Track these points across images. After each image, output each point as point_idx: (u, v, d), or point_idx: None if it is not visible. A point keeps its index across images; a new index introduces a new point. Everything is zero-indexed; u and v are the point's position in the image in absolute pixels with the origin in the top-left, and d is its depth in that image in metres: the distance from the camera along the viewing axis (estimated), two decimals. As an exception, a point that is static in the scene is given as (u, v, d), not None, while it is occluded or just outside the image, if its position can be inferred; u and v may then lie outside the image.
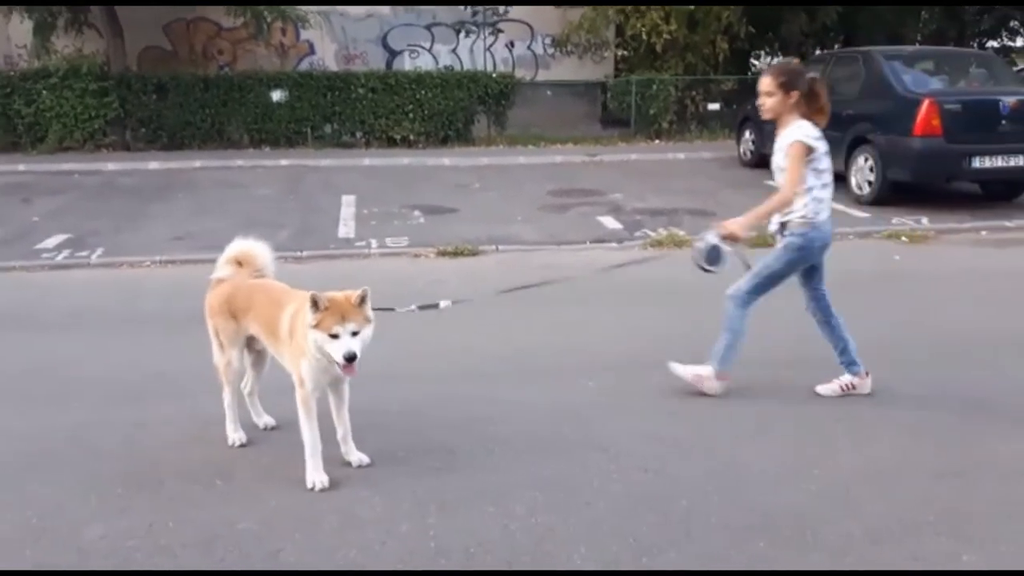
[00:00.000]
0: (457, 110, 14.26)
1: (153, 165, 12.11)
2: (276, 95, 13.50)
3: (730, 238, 3.97)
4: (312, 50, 16.14)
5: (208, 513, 3.15)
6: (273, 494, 3.29)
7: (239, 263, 3.72)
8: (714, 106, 15.74)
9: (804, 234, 3.97)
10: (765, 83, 3.95)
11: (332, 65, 15.85)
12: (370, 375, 4.42)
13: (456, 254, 7.32)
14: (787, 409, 4.10)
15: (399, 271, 6.96)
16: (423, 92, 14.03)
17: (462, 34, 16.46)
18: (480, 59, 16.45)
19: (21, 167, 11.84)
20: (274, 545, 2.95)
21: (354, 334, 3.08)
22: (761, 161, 11.84)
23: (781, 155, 3.97)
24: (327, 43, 16.11)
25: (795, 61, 4.23)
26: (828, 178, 4.00)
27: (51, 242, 7.61)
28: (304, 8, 13.71)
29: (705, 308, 5.63)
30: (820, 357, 4.28)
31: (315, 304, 3.05)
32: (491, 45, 16.57)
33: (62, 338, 5.15)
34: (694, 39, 15.65)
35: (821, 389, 4.24)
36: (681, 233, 7.91)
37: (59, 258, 7.19)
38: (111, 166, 12.00)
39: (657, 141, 15.06)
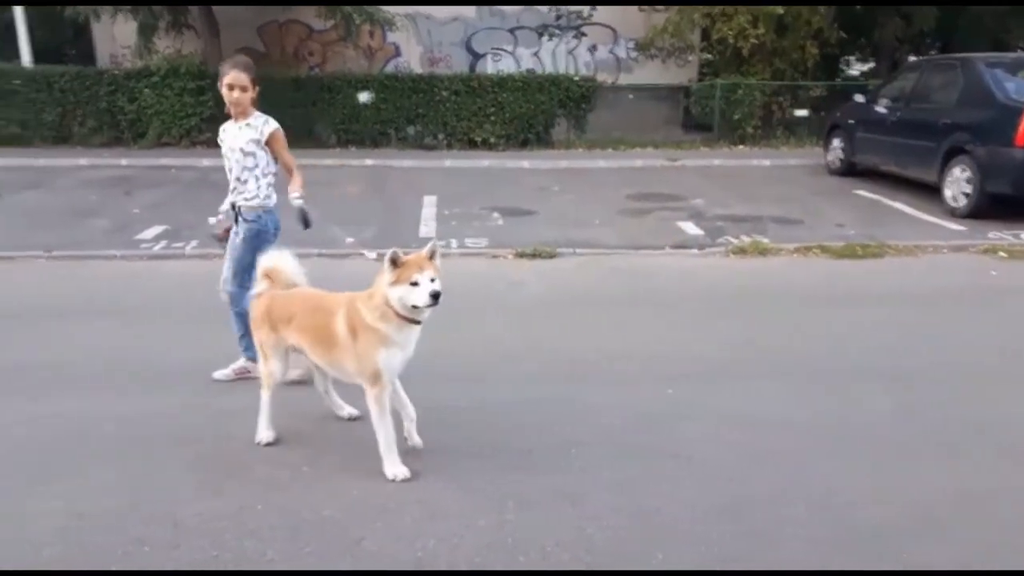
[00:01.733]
0: (538, 113, 14.33)
1: (245, 162, 12.55)
2: (363, 97, 13.82)
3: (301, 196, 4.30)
4: (398, 52, 16.47)
5: (294, 499, 3.27)
6: (356, 483, 3.39)
7: (269, 277, 3.78)
8: (802, 112, 15.35)
9: (258, 218, 4.35)
10: (240, 77, 4.18)
11: (417, 68, 16.13)
12: (454, 374, 4.57)
13: (534, 256, 7.36)
14: (870, 425, 3.99)
15: (478, 271, 7.04)
16: (505, 95, 14.15)
17: (545, 37, 16.52)
18: (562, 62, 16.47)
19: (123, 161, 12.46)
20: (357, 533, 3.04)
21: (431, 281, 3.29)
22: (850, 169, 11.54)
23: (246, 141, 4.27)
24: (412, 46, 16.41)
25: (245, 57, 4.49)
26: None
27: (149, 233, 7.99)
28: (391, 11, 14.00)
29: (788, 316, 5.58)
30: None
31: (394, 261, 3.25)
32: (573, 48, 16.58)
33: (158, 325, 5.41)
34: (782, 44, 15.30)
35: (217, 374, 4.44)
36: (765, 241, 7.76)
37: (156, 248, 7.55)
38: (205, 162, 12.49)
39: (741, 147, 14.79)
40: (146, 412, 4.02)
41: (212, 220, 4.61)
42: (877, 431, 3.93)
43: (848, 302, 6.09)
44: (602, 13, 16.26)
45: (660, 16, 15.74)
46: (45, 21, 16.63)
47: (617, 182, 11.44)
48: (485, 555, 2.93)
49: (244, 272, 4.29)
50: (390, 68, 16.09)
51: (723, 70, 15.73)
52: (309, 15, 14.91)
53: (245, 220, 4.36)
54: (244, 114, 4.30)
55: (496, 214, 9.27)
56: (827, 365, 4.77)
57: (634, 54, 16.67)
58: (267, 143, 4.30)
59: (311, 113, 13.88)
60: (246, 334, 4.24)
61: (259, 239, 4.31)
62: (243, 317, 4.24)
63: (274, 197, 4.39)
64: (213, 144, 14.58)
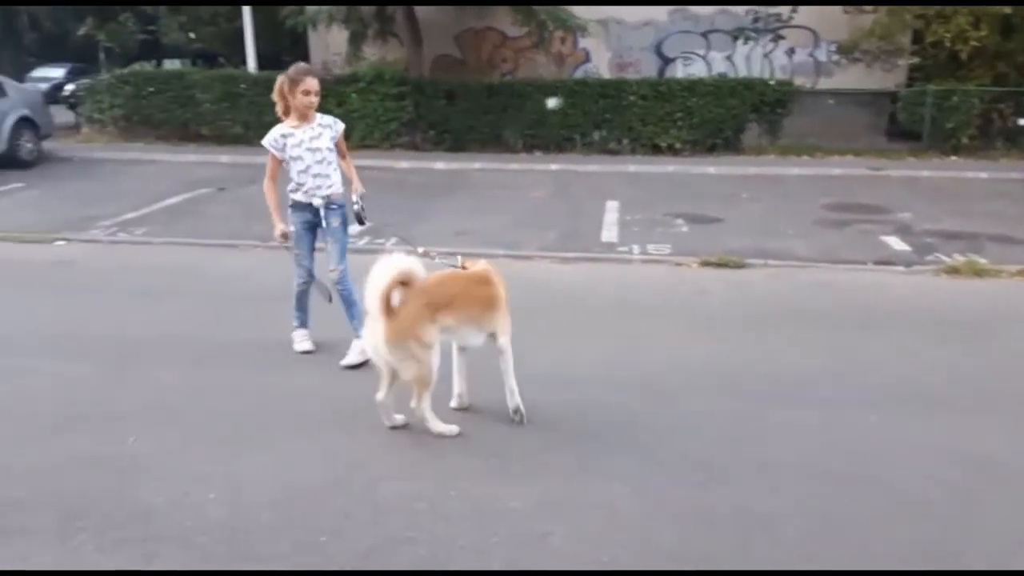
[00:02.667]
0: (728, 118, 13.91)
1: (439, 165, 13.16)
2: (551, 102, 14.04)
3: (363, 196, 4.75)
4: (588, 58, 16.59)
5: (484, 488, 3.39)
6: (542, 477, 3.47)
7: (404, 283, 3.65)
8: (1025, 122, 13.88)
9: (343, 203, 4.79)
10: (315, 84, 4.59)
11: (605, 72, 16.18)
12: (636, 382, 4.55)
13: (720, 265, 7.15)
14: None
15: (660, 279, 6.95)
16: (694, 100, 13.86)
17: (739, 41, 16.01)
18: (756, 66, 15.90)
19: (329, 161, 13.42)
20: (543, 528, 3.10)
21: None
22: (1086, 185, 10.29)
23: (327, 140, 4.68)
24: (602, 51, 16.47)
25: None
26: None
27: (352, 229, 8.53)
28: (584, 16, 14.13)
29: (1008, 345, 5.07)
30: None
31: None
32: (770, 52, 15.95)
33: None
34: (1007, 46, 13.89)
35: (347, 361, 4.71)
36: (983, 261, 7.07)
37: (360, 244, 8.06)
38: (403, 164, 13.21)
39: (954, 157, 13.58)
40: (349, 391, 4.29)
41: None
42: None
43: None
44: (803, 15, 15.52)
45: (867, 17, 14.78)
46: (268, 30, 18.33)
47: (812, 191, 10.88)
48: (670, 567, 2.89)
49: (344, 251, 4.84)
50: (579, 73, 16.25)
51: (935, 75, 14.52)
52: (505, 23, 15.36)
53: (338, 206, 4.79)
54: (311, 118, 4.68)
55: (680, 221, 9.10)
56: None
57: (836, 57, 15.77)
58: (337, 142, 4.74)
59: (501, 118, 14.29)
60: (358, 311, 4.60)
61: (347, 220, 4.82)
62: (350, 294, 4.74)
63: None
64: (411, 148, 15.48)
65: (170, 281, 6.67)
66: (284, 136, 4.68)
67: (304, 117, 4.65)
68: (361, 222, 4.78)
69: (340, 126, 4.76)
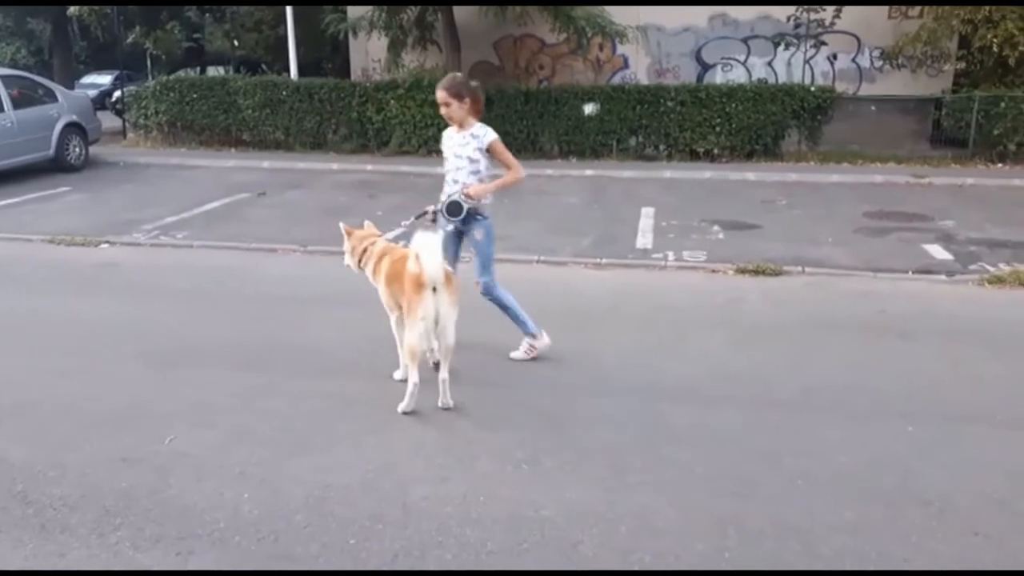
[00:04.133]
0: (767, 124, 13.74)
1: (474, 170, 13.19)
2: (588, 108, 13.99)
3: (468, 197, 4.64)
4: (626, 64, 16.52)
5: (515, 494, 3.38)
6: (573, 487, 3.45)
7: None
8: (1077, 129, 13.47)
9: (488, 216, 4.82)
10: (441, 96, 4.64)
11: (644, 79, 16.09)
12: (672, 391, 4.52)
13: (757, 272, 7.06)
14: None
15: (695, 285, 6.89)
16: (733, 105, 13.71)
17: (780, 47, 15.82)
18: (798, 72, 15.68)
19: (368, 167, 13.56)
20: (574, 537, 3.09)
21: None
22: None
23: (471, 149, 4.67)
24: (641, 57, 16.39)
25: (458, 75, 4.88)
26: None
27: (391, 234, 8.58)
28: (623, 22, 14.08)
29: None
30: None
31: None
32: (811, 57, 15.72)
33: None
34: (1058, 51, 13.53)
35: (514, 355, 4.94)
36: (1029, 271, 6.90)
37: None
38: (440, 170, 13.19)
39: (1000, 165, 13.25)
40: (383, 395, 4.31)
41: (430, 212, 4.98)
42: None
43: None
44: (845, 21, 15.28)
45: (912, 23, 14.50)
46: (309, 37, 18.61)
47: (853, 198, 10.70)
48: (702, 578, 2.86)
49: (489, 262, 4.88)
50: (617, 80, 16.19)
51: (982, 81, 14.19)
52: (543, 30, 15.36)
53: (484, 217, 4.81)
54: (462, 125, 4.73)
55: (716, 227, 9.01)
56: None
57: (879, 63, 15.50)
58: (488, 150, 4.71)
59: (537, 124, 14.30)
60: (513, 314, 4.91)
61: (491, 232, 4.87)
62: (500, 301, 4.90)
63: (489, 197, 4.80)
64: (447, 152, 15.26)
65: (211, 284, 6.79)
66: (447, 137, 4.88)
67: (458, 124, 4.75)
68: (452, 215, 4.70)
69: (488, 137, 4.68)
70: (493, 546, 3.03)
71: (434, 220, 4.96)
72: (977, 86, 14.10)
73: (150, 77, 19.24)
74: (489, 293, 4.90)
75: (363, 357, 4.96)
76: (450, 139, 4.82)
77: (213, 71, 22.71)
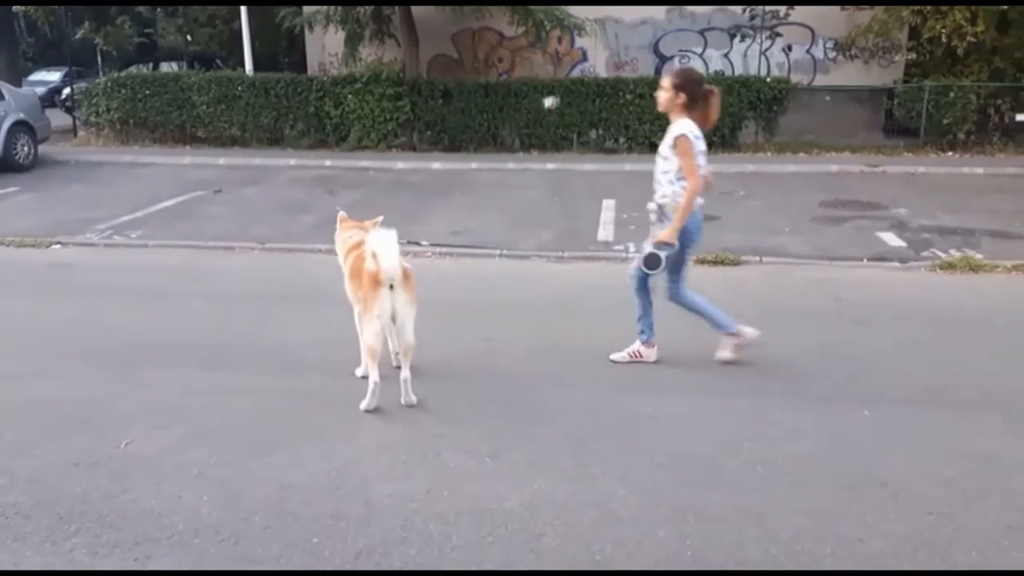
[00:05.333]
0: (725, 116, 13.80)
1: (436, 165, 13.14)
2: (548, 101, 14.02)
3: (665, 244, 4.47)
4: (585, 57, 16.57)
5: (479, 487, 3.38)
6: (538, 477, 3.46)
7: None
8: (1023, 117, 13.86)
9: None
10: (663, 80, 4.53)
11: (602, 72, 16.15)
12: (632, 380, 4.55)
13: (716, 263, 7.15)
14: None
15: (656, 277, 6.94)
16: (691, 98, 13.83)
17: (736, 39, 16.00)
18: (754, 63, 15.88)
19: (327, 162, 13.42)
20: (537, 529, 3.09)
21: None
22: (1084, 180, 10.29)
23: (665, 146, 4.49)
24: (599, 50, 16.44)
25: (695, 71, 4.75)
26: (703, 172, 4.47)
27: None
28: (581, 15, 14.11)
29: (1004, 341, 5.05)
30: None
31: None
32: (767, 49, 15.92)
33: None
34: (1004, 42, 13.87)
35: (614, 356, 4.84)
36: (978, 256, 7.07)
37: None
38: (400, 164, 13.20)
39: (950, 153, 13.59)
40: (345, 393, 4.27)
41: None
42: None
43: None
44: (800, 12, 15.51)
45: (863, 15, 14.78)
46: (265, 32, 18.33)
47: (809, 188, 10.87)
48: (664, 566, 2.89)
49: (675, 268, 4.66)
50: (576, 73, 16.23)
51: (932, 71, 14.52)
52: (502, 22, 15.33)
53: (669, 219, 4.54)
54: (671, 119, 4.52)
55: (678, 219, 9.08)
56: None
57: (833, 54, 15.77)
58: (673, 145, 4.44)
59: (497, 118, 14.28)
60: (644, 316, 4.81)
61: (684, 237, 4.52)
62: (646, 300, 4.79)
63: (698, 200, 4.50)
64: (408, 148, 15.52)
65: (167, 284, 6.67)
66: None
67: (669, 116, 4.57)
68: (650, 267, 4.54)
69: (675, 131, 4.40)
70: (457, 540, 3.03)
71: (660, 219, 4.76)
72: (927, 76, 14.43)
73: (101, 73, 18.74)
74: (674, 298, 4.76)
75: (324, 355, 4.91)
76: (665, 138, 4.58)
77: (166, 67, 22.18)
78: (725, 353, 4.77)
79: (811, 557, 2.91)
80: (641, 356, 4.82)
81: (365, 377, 4.15)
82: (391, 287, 3.92)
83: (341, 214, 4.75)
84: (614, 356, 4.85)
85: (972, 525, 3.10)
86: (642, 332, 4.81)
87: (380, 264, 3.84)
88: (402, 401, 4.12)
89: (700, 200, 4.53)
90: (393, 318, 3.99)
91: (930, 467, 3.54)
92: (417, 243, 6.30)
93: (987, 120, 13.95)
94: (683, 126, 4.40)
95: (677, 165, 4.41)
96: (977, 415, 4.09)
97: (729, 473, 3.51)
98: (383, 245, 3.86)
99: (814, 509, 3.21)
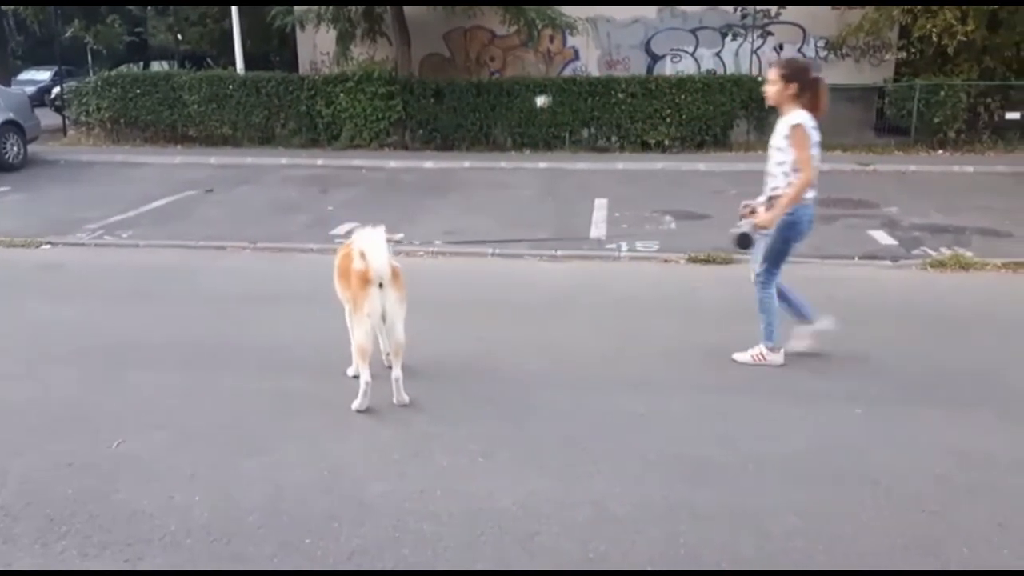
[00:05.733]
0: (717, 115, 13.92)
1: (428, 164, 13.12)
2: (540, 100, 14.02)
3: (759, 228, 4.48)
4: (577, 56, 16.57)
5: (473, 487, 3.38)
6: (532, 476, 3.46)
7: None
8: (1013, 115, 13.92)
9: (794, 211, 4.41)
10: (770, 72, 4.47)
11: (595, 70, 16.16)
12: (627, 379, 4.56)
13: (708, 261, 7.16)
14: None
15: (648, 275, 6.96)
16: (683, 97, 13.86)
17: (728, 37, 16.03)
18: (745, 63, 15.91)
19: (319, 161, 13.39)
20: (531, 527, 3.09)
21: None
22: (1073, 178, 10.35)
23: (779, 137, 4.41)
24: (591, 49, 16.45)
25: (802, 59, 4.62)
26: (816, 163, 4.39)
27: (342, 229, 8.52)
28: (572, 14, 14.12)
29: (993, 339, 5.07)
30: None
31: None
32: (758, 48, 15.96)
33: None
34: (994, 41, 13.94)
35: (737, 356, 4.77)
36: (968, 254, 7.11)
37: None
38: (393, 163, 13.17)
39: (941, 152, 13.65)
40: (338, 393, 4.25)
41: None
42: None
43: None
44: (791, 11, 15.55)
45: (854, 14, 14.82)
46: (256, 30, 18.26)
47: (800, 188, 10.89)
48: (657, 564, 2.89)
49: (775, 258, 4.59)
50: (568, 71, 16.23)
51: (923, 70, 14.58)
52: (493, 21, 15.32)
53: (787, 213, 4.45)
54: (781, 111, 4.48)
55: (668, 217, 9.10)
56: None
57: (824, 53, 15.81)
58: (788, 136, 4.38)
59: (490, 117, 14.27)
60: (796, 309, 4.75)
61: (792, 230, 4.49)
62: (784, 297, 4.73)
63: (809, 193, 4.44)
64: (400, 147, 15.48)
65: (158, 284, 6.64)
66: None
67: (779, 110, 4.52)
68: (742, 245, 4.63)
69: (791, 121, 4.34)
70: (450, 540, 3.02)
71: (753, 213, 4.70)
72: (918, 75, 14.48)
73: (91, 72, 18.66)
74: (762, 287, 4.67)
75: (316, 355, 4.89)
76: (778, 125, 4.52)
77: (157, 66, 22.13)
78: (800, 343, 4.76)
79: (804, 555, 2.92)
80: (811, 338, 4.76)
81: (356, 377, 4.14)
82: (380, 286, 3.91)
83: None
84: (737, 356, 4.78)
85: (964, 522, 3.12)
86: (803, 317, 4.74)
87: (369, 263, 3.84)
88: (394, 401, 4.12)
89: (813, 193, 4.46)
90: (383, 317, 3.98)
91: (922, 464, 3.56)
92: (430, 243, 6.27)
93: (977, 119, 14.01)
94: (798, 116, 4.33)
95: (794, 157, 4.35)
96: (969, 413, 4.11)
97: (721, 471, 3.52)
98: (371, 244, 3.85)
99: (806, 507, 3.22)
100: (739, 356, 4.76)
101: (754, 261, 4.74)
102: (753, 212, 4.63)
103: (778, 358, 4.71)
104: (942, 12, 13.48)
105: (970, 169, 12.18)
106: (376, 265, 3.84)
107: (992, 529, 3.06)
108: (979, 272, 6.81)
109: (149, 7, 23.50)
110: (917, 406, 4.18)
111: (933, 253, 7.28)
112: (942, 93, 13.65)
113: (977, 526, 3.09)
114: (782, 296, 4.74)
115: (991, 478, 3.45)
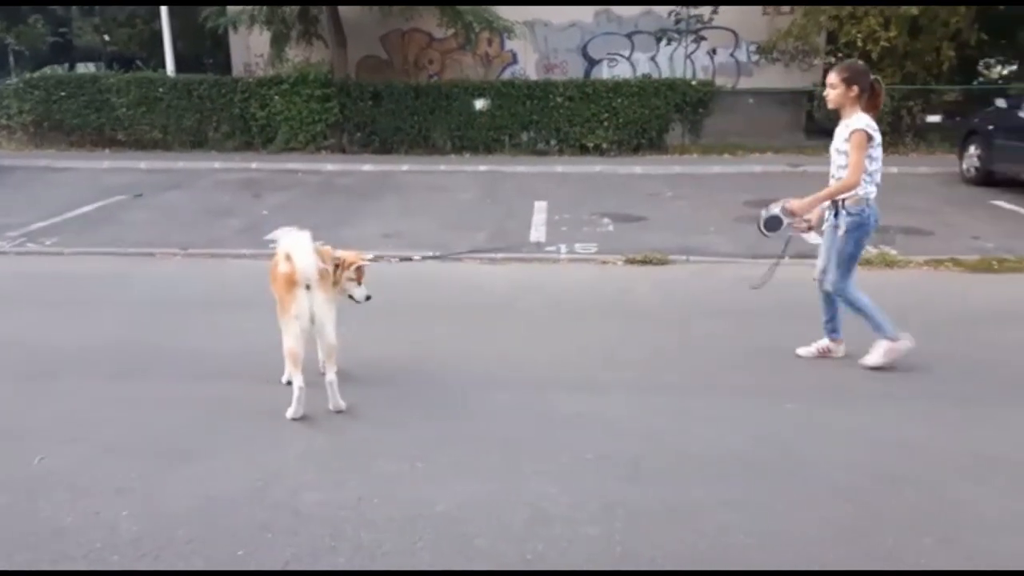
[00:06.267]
0: (652, 118, 14.16)
1: (366, 167, 13.00)
2: (479, 103, 14.04)
3: (790, 213, 4.57)
4: (515, 60, 16.65)
5: (411, 493, 3.35)
6: (469, 479, 3.45)
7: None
8: (934, 118, 14.53)
9: (860, 211, 4.48)
10: (831, 76, 4.50)
11: (533, 74, 16.26)
12: (563, 380, 4.58)
13: (644, 262, 7.27)
14: (1010, 449, 3.72)
15: (587, 277, 7.02)
16: (619, 100, 14.06)
17: (663, 42, 16.31)
18: (680, 67, 16.22)
19: (253, 165, 13.14)
20: (469, 531, 3.09)
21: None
22: (987, 179, 10.83)
23: (841, 140, 4.47)
24: (529, 53, 16.55)
25: (860, 62, 4.74)
26: (879, 164, 4.47)
27: (277, 234, 8.36)
28: (510, 18, 14.18)
29: (917, 334, 5.25)
30: None
31: None
32: (692, 52, 16.29)
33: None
34: (916, 46, 14.52)
35: (801, 351, 4.90)
36: (893, 252, 7.38)
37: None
38: (330, 167, 13.02)
39: (867, 154, 14.13)
40: (272, 401, 4.18)
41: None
42: (1017, 455, 3.66)
43: (984, 319, 5.71)
44: (723, 16, 15.92)
45: (784, 19, 15.28)
46: (187, 32, 17.83)
47: (734, 188, 11.16)
48: (594, 563, 2.92)
49: (848, 262, 4.61)
50: (506, 75, 16.29)
51: (850, 74, 15.09)
52: (431, 24, 15.29)
53: (848, 214, 4.52)
54: (845, 114, 4.50)
55: (606, 220, 9.21)
56: (963, 386, 4.49)
57: (755, 58, 16.23)
58: (847, 139, 4.42)
59: (429, 120, 14.22)
60: (832, 318, 4.82)
61: (860, 231, 4.53)
62: (832, 303, 4.81)
63: (873, 191, 4.49)
64: (337, 150, 15.31)
65: (84, 292, 6.42)
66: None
67: (840, 113, 4.53)
68: (762, 227, 4.68)
69: (852, 126, 4.37)
70: (388, 547, 3.00)
71: (810, 228, 4.77)
72: (844, 79, 14.93)
73: (12, 75, 17.95)
74: (840, 294, 4.67)
75: (251, 362, 4.79)
76: (837, 129, 4.56)
77: (83, 67, 21.38)
78: (875, 358, 4.70)
79: (737, 549, 2.98)
80: (898, 351, 4.69)
81: (291, 383, 4.07)
82: (308, 288, 3.86)
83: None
84: (800, 351, 4.89)
85: (887, 511, 3.22)
86: (880, 328, 4.68)
87: (295, 264, 3.80)
88: (330, 407, 4.06)
89: (875, 191, 4.49)
90: (312, 319, 3.92)
91: (848, 456, 3.67)
92: (409, 258, 6.19)
93: (900, 121, 14.56)
94: (860, 120, 4.38)
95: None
96: (892, 404, 4.25)
97: (656, 468, 3.57)
98: (296, 246, 3.81)
99: (738, 501, 3.29)
100: (870, 359, 4.71)
101: (821, 261, 4.83)
102: (810, 227, 4.78)
103: (906, 343, 4.67)
104: (866, 19, 13.99)
105: (895, 170, 12.58)
106: (302, 266, 3.80)
107: (915, 516, 3.18)
108: (903, 270, 7.06)
109: (74, 7, 22.70)
110: (844, 399, 4.32)
111: (860, 251, 7.51)
112: (867, 97, 14.11)
113: (900, 514, 3.20)
114: (832, 303, 4.81)
115: (913, 467, 3.57)
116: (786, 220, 4.56)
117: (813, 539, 3.03)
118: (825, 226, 4.73)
